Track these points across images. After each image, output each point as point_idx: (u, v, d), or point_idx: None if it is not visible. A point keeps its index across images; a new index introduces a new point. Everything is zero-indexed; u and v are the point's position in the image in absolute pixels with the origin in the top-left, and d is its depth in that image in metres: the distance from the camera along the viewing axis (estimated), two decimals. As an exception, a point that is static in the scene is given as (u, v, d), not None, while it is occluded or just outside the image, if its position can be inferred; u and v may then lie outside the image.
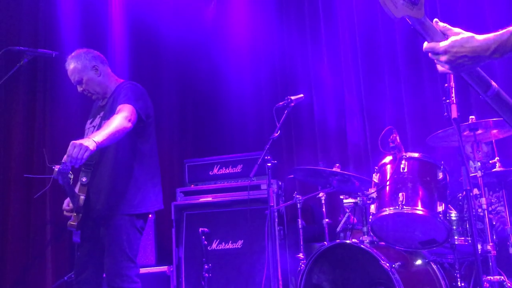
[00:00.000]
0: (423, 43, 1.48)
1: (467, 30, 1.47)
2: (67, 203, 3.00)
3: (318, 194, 3.74)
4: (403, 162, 3.19)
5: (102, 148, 2.73)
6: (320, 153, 5.21)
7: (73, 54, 3.14)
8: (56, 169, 2.50)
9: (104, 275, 2.93)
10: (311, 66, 5.41)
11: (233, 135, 5.74)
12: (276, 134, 3.38)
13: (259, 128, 5.56)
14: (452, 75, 2.78)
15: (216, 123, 5.80)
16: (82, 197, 2.84)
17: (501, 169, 3.16)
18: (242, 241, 4.48)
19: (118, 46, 5.20)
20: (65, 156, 2.50)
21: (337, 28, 5.33)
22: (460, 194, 3.23)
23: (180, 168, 5.08)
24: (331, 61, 5.31)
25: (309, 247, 4.16)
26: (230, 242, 4.50)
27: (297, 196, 3.76)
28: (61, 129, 4.61)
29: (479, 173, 2.95)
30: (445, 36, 1.45)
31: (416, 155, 3.26)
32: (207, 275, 3.83)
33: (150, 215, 3.88)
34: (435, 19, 1.45)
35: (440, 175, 3.15)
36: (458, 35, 1.44)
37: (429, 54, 1.46)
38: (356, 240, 3.32)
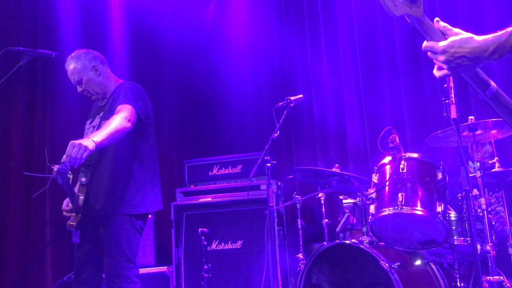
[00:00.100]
0: (422, 43, 1.48)
1: (466, 30, 1.47)
2: (66, 204, 3.00)
3: (318, 194, 3.74)
4: (402, 162, 3.19)
5: (101, 148, 2.74)
6: (320, 153, 5.21)
7: (73, 54, 3.14)
8: (55, 169, 2.50)
9: (104, 276, 2.93)
10: (310, 66, 5.42)
11: (233, 136, 5.74)
12: (276, 135, 3.38)
13: (258, 128, 5.56)
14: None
15: (215, 123, 5.80)
16: (81, 197, 2.84)
17: (501, 169, 3.17)
18: (242, 241, 4.48)
19: (118, 46, 5.20)
20: (64, 156, 2.50)
21: (336, 28, 5.33)
22: (460, 195, 3.23)
23: (179, 169, 5.08)
24: (331, 61, 5.31)
25: (308, 248, 4.16)
26: (230, 242, 4.50)
27: (297, 196, 3.76)
28: (61, 129, 4.60)
29: (478, 174, 2.95)
30: (444, 35, 1.45)
31: (415, 155, 3.26)
32: (206, 275, 3.83)
33: (149, 216, 3.88)
34: (436, 18, 1.45)
35: (440, 176, 3.15)
36: (458, 35, 1.44)
37: (428, 53, 1.46)
38: (355, 241, 3.32)
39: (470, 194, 2.77)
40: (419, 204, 3.09)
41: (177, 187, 4.86)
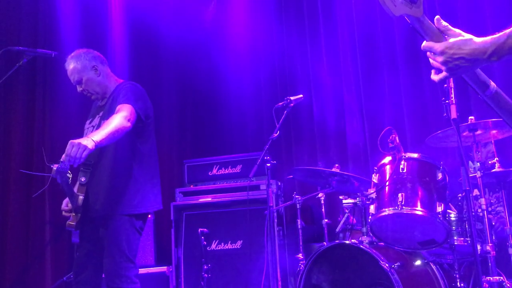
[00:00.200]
0: (422, 43, 1.47)
1: (466, 30, 1.47)
2: (65, 204, 3.00)
3: (318, 194, 3.74)
4: (402, 162, 3.19)
5: (101, 148, 2.73)
6: (320, 153, 5.21)
7: (72, 54, 3.14)
8: (55, 168, 2.50)
9: (103, 276, 2.93)
10: (310, 66, 5.42)
11: (233, 136, 5.74)
12: (276, 135, 3.38)
13: (258, 128, 5.56)
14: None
15: (215, 123, 5.80)
16: (81, 197, 2.84)
17: (501, 169, 3.16)
18: (242, 241, 4.48)
19: (118, 46, 5.20)
20: (63, 155, 2.50)
21: (336, 29, 5.33)
22: (460, 195, 3.23)
23: (179, 169, 5.08)
24: (330, 61, 5.31)
25: (308, 248, 4.16)
26: (230, 242, 4.50)
27: (297, 196, 3.76)
28: (61, 129, 4.60)
29: (478, 174, 2.95)
30: (444, 36, 1.45)
31: (415, 155, 3.26)
32: (206, 275, 3.83)
33: (149, 216, 3.88)
34: (437, 16, 1.45)
35: (440, 176, 3.15)
36: (457, 36, 1.43)
37: (427, 53, 1.46)
38: (355, 241, 3.32)
39: (471, 195, 2.77)
40: (419, 204, 3.09)
41: (177, 187, 4.86)
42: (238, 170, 4.77)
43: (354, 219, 3.60)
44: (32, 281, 4.39)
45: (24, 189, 4.43)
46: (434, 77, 1.48)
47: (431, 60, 1.46)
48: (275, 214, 3.65)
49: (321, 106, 5.29)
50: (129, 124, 2.78)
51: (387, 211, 3.10)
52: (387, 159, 3.33)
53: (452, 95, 2.82)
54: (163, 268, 4.41)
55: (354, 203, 3.46)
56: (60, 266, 4.48)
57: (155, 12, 5.43)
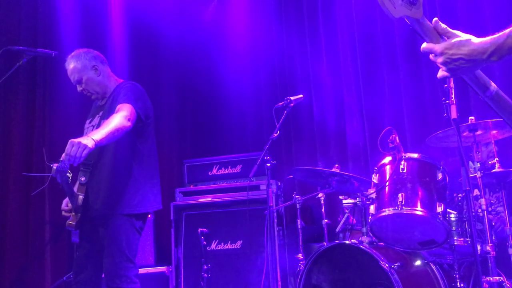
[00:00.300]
0: (422, 43, 1.47)
1: (466, 30, 1.46)
2: (65, 203, 3.00)
3: (318, 194, 3.74)
4: (402, 162, 3.19)
5: (101, 147, 2.73)
6: (320, 153, 5.21)
7: (73, 53, 3.14)
8: (55, 167, 2.50)
9: (103, 275, 2.93)
10: (310, 66, 5.42)
11: (233, 136, 5.74)
12: (276, 135, 3.38)
13: (258, 128, 5.56)
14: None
15: (215, 123, 5.80)
16: (80, 197, 2.84)
17: (501, 169, 3.16)
18: (241, 241, 4.48)
19: (118, 46, 5.20)
20: (63, 154, 2.49)
21: (336, 29, 5.33)
22: (460, 195, 3.23)
23: (179, 169, 5.08)
24: (330, 61, 5.31)
25: (308, 248, 4.16)
26: (229, 242, 4.50)
27: (296, 196, 3.76)
28: (61, 129, 4.60)
29: (478, 174, 2.95)
30: (443, 37, 1.44)
31: (415, 155, 3.26)
32: (206, 275, 3.82)
33: (149, 215, 3.88)
34: (435, 18, 1.45)
35: (440, 176, 3.15)
36: (457, 37, 1.43)
37: (430, 55, 1.46)
38: (355, 241, 3.32)
39: (471, 195, 2.76)
40: (419, 204, 3.09)
41: (177, 187, 4.85)
42: (238, 170, 4.77)
43: (354, 219, 3.60)
44: (32, 281, 4.39)
45: (24, 189, 4.43)
46: (438, 73, 1.49)
47: (432, 58, 1.46)
48: (275, 214, 3.65)
49: (321, 106, 5.28)
50: (129, 123, 2.78)
51: (387, 211, 3.10)
52: (387, 159, 3.33)
53: (452, 95, 2.82)
54: (163, 268, 4.41)
55: (354, 203, 3.46)
56: (60, 266, 4.47)
57: (155, 12, 5.42)
